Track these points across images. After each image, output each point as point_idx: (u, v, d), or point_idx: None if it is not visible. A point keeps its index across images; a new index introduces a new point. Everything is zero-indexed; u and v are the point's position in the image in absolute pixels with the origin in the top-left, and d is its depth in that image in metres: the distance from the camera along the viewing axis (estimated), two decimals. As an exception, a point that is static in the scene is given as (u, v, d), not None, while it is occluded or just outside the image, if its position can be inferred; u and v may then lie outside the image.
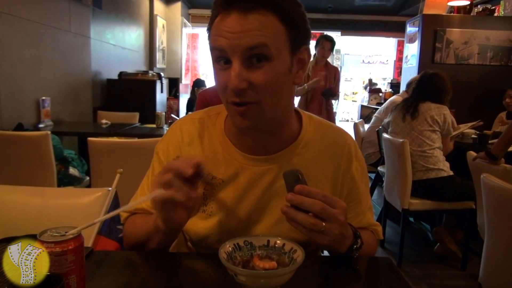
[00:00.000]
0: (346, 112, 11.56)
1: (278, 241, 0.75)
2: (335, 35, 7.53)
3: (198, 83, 5.68)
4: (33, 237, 0.59)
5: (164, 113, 3.47)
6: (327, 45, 3.94)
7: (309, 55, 0.84)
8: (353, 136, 1.06)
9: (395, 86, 6.34)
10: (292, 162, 0.88)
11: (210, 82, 5.95)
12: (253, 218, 0.87)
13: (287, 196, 0.70)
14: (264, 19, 0.74)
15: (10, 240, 0.58)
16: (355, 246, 0.79)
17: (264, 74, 0.74)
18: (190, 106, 5.44)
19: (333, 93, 4.06)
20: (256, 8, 0.73)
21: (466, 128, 3.19)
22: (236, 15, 0.74)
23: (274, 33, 0.75)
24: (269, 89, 0.76)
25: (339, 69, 4.47)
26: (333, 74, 4.09)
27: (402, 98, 3.77)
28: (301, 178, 0.73)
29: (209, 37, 0.80)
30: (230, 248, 0.72)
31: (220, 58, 0.77)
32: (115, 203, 1.07)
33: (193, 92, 5.57)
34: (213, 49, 0.78)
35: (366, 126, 4.09)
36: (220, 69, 0.78)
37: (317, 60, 4.04)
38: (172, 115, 3.32)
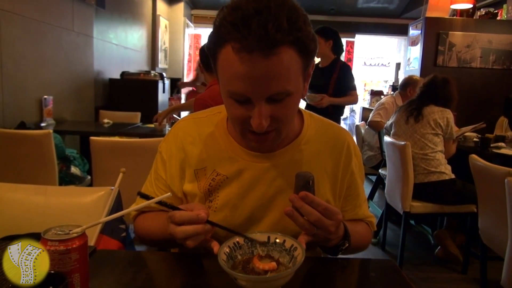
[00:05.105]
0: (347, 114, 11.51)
1: (278, 238, 0.75)
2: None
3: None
4: (37, 235, 0.59)
5: (166, 113, 3.46)
6: None
7: (313, 66, 0.84)
8: (354, 138, 1.07)
9: (396, 88, 6.31)
10: (294, 159, 0.90)
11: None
12: (258, 214, 0.89)
13: (290, 196, 0.73)
14: (286, 58, 0.70)
15: (14, 238, 0.57)
16: (341, 248, 0.83)
17: (285, 107, 0.76)
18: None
19: None
20: (278, 46, 0.68)
21: (469, 130, 3.16)
22: (258, 55, 0.68)
23: (295, 71, 0.73)
24: (288, 118, 0.80)
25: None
26: None
27: (393, 100, 3.77)
28: (310, 184, 0.75)
29: (218, 68, 0.76)
30: (228, 249, 0.72)
31: (237, 98, 0.74)
32: (118, 203, 1.06)
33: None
34: (231, 92, 0.74)
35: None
36: (237, 103, 0.76)
37: None
38: (174, 115, 3.31)
